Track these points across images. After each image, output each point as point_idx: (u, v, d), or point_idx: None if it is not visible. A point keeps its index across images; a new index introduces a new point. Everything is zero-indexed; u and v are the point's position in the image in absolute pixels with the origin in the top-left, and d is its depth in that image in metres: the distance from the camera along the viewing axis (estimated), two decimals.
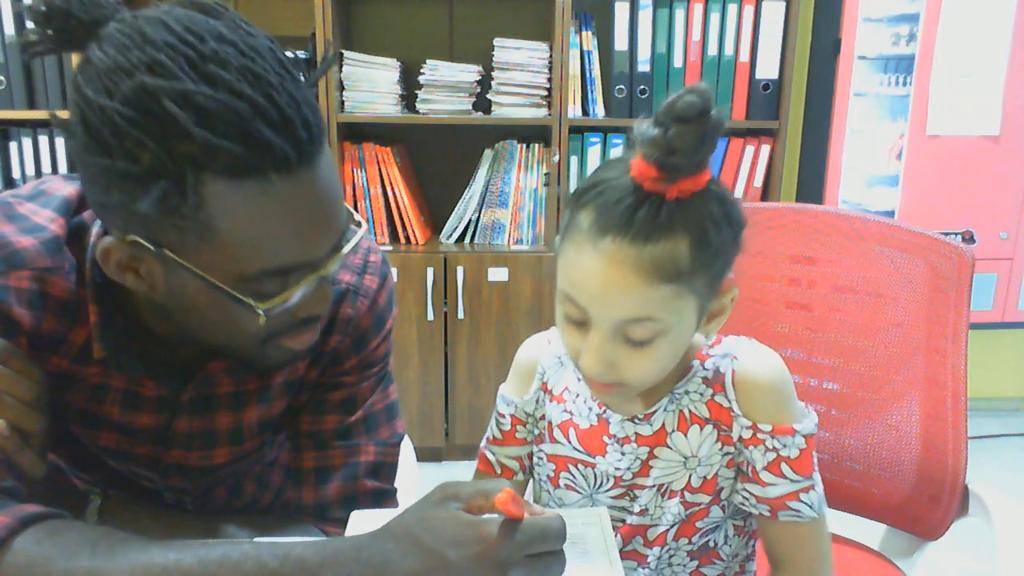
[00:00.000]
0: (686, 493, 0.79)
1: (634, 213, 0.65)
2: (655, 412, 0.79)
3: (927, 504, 1.13)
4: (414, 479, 1.10)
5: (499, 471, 0.89)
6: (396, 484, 0.91)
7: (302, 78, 0.65)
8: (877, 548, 1.25)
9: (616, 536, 0.81)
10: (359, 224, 0.74)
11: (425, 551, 0.61)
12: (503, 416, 0.89)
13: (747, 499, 0.78)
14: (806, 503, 0.76)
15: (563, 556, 0.63)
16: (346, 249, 0.71)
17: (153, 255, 0.64)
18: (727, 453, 0.78)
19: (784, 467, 0.75)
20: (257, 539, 0.70)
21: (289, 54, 0.73)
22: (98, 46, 0.61)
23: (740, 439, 0.77)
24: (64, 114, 0.62)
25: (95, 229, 0.74)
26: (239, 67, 0.60)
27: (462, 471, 2.46)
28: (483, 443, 0.91)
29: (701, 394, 0.78)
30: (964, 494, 1.11)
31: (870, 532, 1.25)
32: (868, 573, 1.19)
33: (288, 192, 0.62)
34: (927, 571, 1.20)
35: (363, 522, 0.71)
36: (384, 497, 0.89)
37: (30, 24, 0.64)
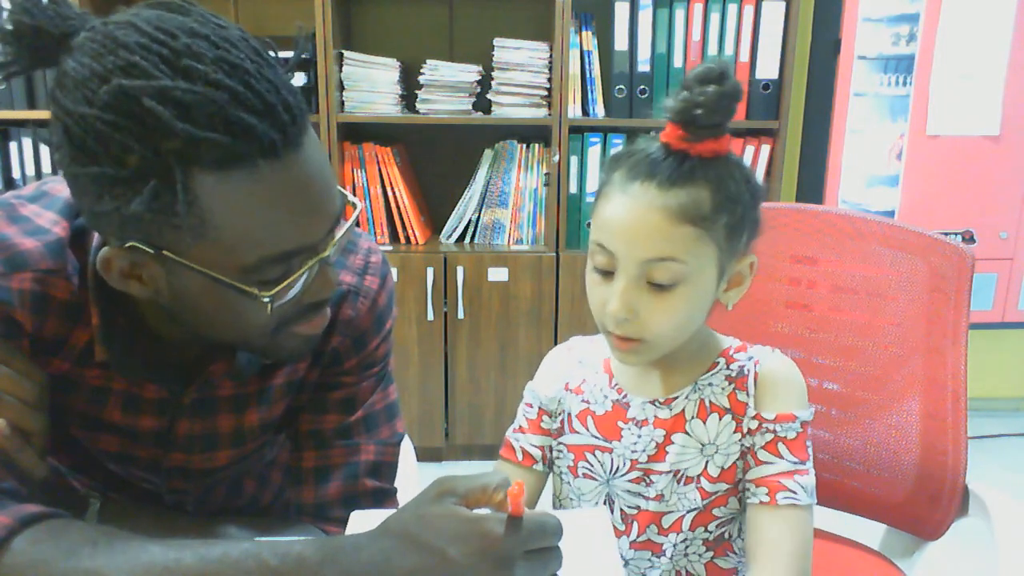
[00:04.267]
0: (703, 480, 0.81)
1: (661, 163, 0.74)
2: (676, 398, 0.83)
3: (927, 504, 1.13)
4: (414, 479, 1.10)
5: (521, 458, 0.92)
6: (396, 484, 0.92)
7: (277, 65, 0.65)
8: (877, 548, 1.25)
9: (633, 524, 0.85)
10: (355, 205, 0.74)
11: (424, 548, 0.61)
12: (530, 406, 0.93)
13: (748, 487, 0.80)
14: (801, 485, 0.78)
15: (560, 552, 0.63)
16: (342, 231, 0.71)
17: (153, 258, 0.64)
18: (744, 445, 0.81)
19: (781, 447, 0.79)
20: (257, 539, 0.70)
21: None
22: (71, 57, 0.61)
23: (749, 430, 0.80)
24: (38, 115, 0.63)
25: (96, 234, 0.74)
26: (214, 58, 0.60)
27: (462, 471, 2.45)
28: (509, 431, 0.95)
29: (723, 388, 0.82)
30: (964, 494, 1.11)
31: (870, 532, 1.25)
32: (868, 573, 1.18)
33: (278, 177, 0.62)
34: (927, 571, 1.20)
35: (363, 522, 0.71)
36: (384, 497, 0.89)
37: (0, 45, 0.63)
